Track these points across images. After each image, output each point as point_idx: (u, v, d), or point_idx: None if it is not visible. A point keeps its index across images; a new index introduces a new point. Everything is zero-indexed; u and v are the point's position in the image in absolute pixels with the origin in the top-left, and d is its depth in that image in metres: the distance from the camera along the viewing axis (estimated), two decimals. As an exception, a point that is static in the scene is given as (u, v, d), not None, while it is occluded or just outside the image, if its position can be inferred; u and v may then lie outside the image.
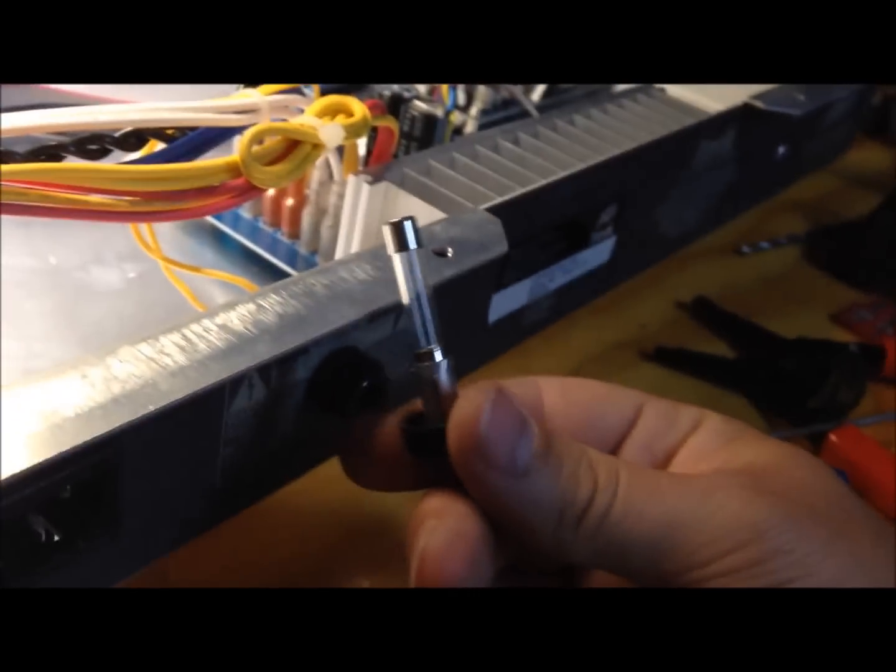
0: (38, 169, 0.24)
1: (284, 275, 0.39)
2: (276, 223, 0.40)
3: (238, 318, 0.24)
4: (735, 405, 0.48)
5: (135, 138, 0.28)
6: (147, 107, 0.28)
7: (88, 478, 0.21)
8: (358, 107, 0.31)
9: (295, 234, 0.40)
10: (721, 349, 0.52)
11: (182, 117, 0.28)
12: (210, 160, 0.27)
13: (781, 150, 0.58)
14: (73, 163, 0.26)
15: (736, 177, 0.54)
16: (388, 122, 0.34)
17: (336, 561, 0.35)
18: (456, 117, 0.43)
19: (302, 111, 0.31)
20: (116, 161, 0.26)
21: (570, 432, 0.23)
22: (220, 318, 0.24)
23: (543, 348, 0.46)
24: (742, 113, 0.48)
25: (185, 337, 0.23)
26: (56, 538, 0.21)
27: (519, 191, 0.35)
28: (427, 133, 0.39)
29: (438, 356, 0.22)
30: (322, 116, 0.31)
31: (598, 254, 0.43)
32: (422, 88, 0.43)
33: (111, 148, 0.28)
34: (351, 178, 0.33)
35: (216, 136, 0.29)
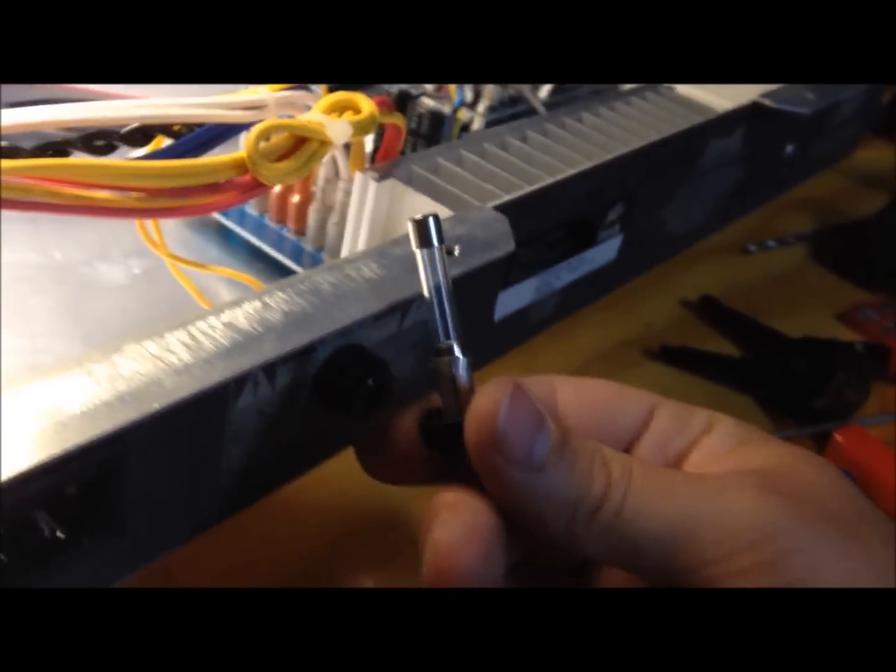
0: (44, 165, 0.24)
1: (290, 272, 0.39)
2: (281, 220, 0.40)
3: (244, 315, 0.24)
4: (740, 404, 0.48)
5: (141, 134, 0.28)
6: (154, 103, 0.28)
7: (93, 475, 0.21)
8: (366, 103, 0.31)
9: (301, 231, 0.39)
10: (727, 348, 0.52)
11: (189, 113, 0.28)
12: (216, 157, 0.27)
13: (789, 148, 0.57)
14: (79, 159, 0.26)
15: (743, 175, 0.54)
16: (396, 119, 0.34)
17: (340, 559, 0.35)
18: (463, 114, 0.42)
19: (309, 108, 0.31)
20: (123, 157, 0.26)
21: (583, 431, 0.23)
22: (226, 316, 0.24)
23: (549, 346, 0.46)
24: (751, 111, 0.48)
25: (190, 335, 0.23)
26: (60, 535, 0.21)
27: (527, 189, 0.35)
28: (434, 130, 0.39)
29: (457, 352, 0.23)
30: (329, 113, 0.30)
31: (604, 252, 0.43)
32: (429, 86, 0.43)
33: (117, 144, 0.28)
34: (358, 176, 0.33)
35: (223, 133, 0.29)
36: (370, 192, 0.33)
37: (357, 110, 0.31)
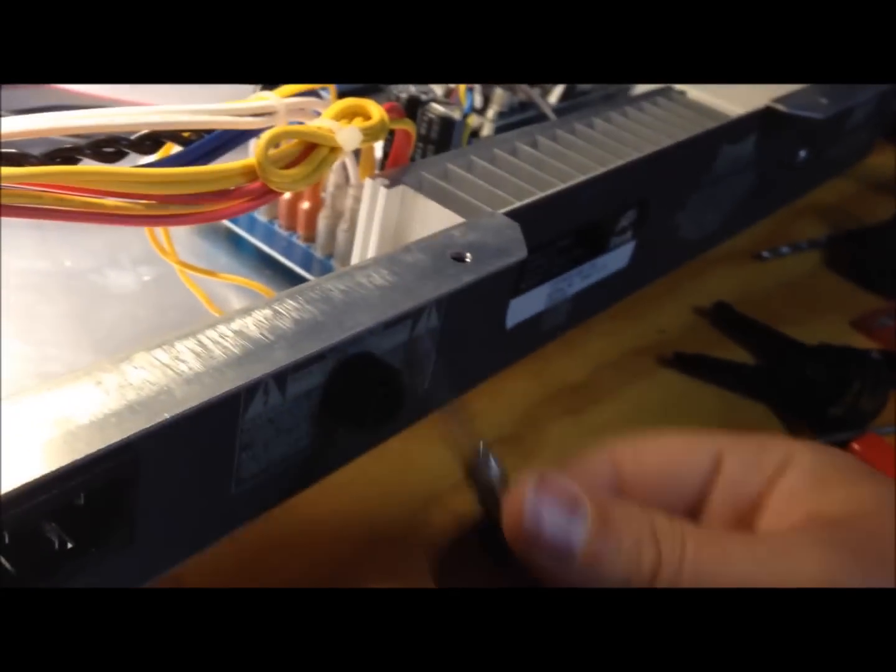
0: (53, 172, 0.24)
1: (300, 279, 0.39)
2: (291, 227, 0.40)
3: (254, 323, 0.24)
4: (756, 412, 0.47)
5: (151, 141, 0.28)
6: (163, 109, 0.27)
7: (102, 485, 0.21)
8: (375, 110, 0.31)
9: (311, 238, 0.39)
10: (741, 355, 0.51)
11: (198, 120, 0.28)
12: (226, 163, 0.27)
13: (802, 153, 0.57)
14: (88, 166, 0.26)
15: (756, 181, 0.53)
16: (406, 126, 0.34)
17: (350, 570, 0.35)
18: (473, 120, 0.42)
19: (319, 114, 0.31)
20: (132, 164, 0.26)
21: (645, 498, 0.22)
22: (236, 324, 0.23)
23: (561, 353, 0.45)
24: (763, 116, 0.47)
25: (200, 343, 0.23)
26: (69, 546, 0.21)
27: (538, 195, 0.34)
28: (444, 136, 0.39)
29: (492, 464, 0.22)
30: (339, 119, 0.30)
31: (616, 259, 0.43)
32: (439, 91, 0.43)
33: (127, 151, 0.27)
34: (368, 182, 0.33)
35: (233, 139, 0.29)
36: (380, 199, 0.33)
37: (367, 116, 0.31)
